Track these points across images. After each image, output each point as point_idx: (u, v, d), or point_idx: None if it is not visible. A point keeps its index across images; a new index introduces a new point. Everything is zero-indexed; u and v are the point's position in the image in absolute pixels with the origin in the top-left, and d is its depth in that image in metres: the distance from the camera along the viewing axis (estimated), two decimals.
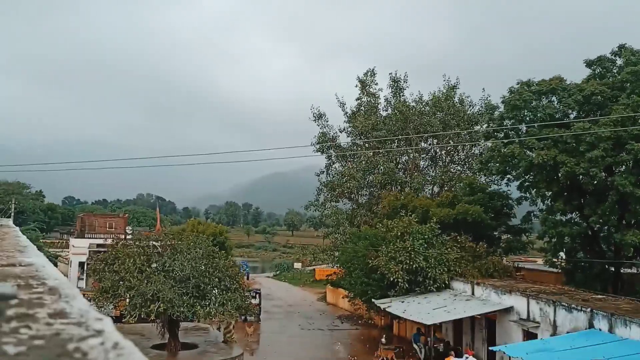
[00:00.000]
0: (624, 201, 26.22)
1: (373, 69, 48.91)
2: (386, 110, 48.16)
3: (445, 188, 43.98)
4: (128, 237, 33.89)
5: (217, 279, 26.47)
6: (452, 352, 25.22)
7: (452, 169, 46.47)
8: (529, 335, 22.88)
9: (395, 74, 48.35)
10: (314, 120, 48.33)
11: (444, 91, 46.99)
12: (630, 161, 26.30)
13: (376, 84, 48.71)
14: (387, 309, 29.44)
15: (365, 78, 48.53)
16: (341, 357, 30.90)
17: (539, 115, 29.60)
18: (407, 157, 46.99)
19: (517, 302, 24.23)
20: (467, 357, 23.76)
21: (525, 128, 30.39)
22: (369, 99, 48.63)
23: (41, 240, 53.17)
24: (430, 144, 47.66)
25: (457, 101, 46.54)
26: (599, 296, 23.68)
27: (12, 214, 47.46)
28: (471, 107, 46.51)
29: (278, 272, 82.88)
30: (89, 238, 50.19)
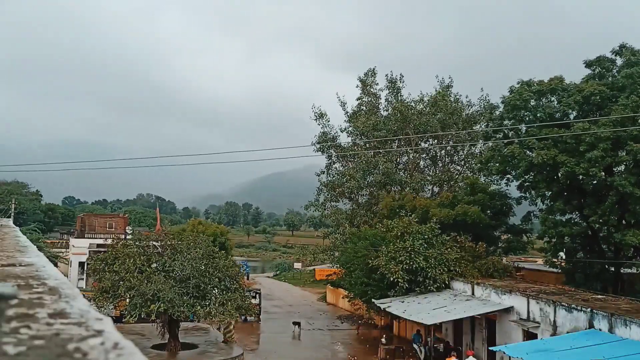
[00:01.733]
0: (624, 201, 26.21)
1: (374, 69, 48.91)
2: (387, 110, 48.16)
3: (445, 188, 43.98)
4: (128, 237, 33.86)
5: (217, 279, 26.47)
6: (454, 353, 25.20)
7: (452, 169, 46.48)
8: (529, 335, 22.88)
9: (392, 75, 48.43)
10: (315, 119, 48.33)
11: (440, 91, 47.02)
12: (629, 161, 26.30)
13: (377, 84, 48.75)
14: (387, 309, 29.43)
15: (366, 78, 48.52)
16: (341, 357, 30.89)
17: (538, 115, 29.60)
18: (407, 157, 46.99)
19: (517, 302, 24.23)
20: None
21: (525, 128, 30.38)
22: (369, 99, 48.62)
23: (41, 241, 53.10)
24: (430, 144, 47.67)
25: (453, 100, 46.54)
26: (599, 296, 23.67)
27: (12, 214, 47.40)
28: (470, 106, 46.55)
29: (278, 272, 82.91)
30: (89, 238, 50.32)
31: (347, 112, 48.69)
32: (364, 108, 48.23)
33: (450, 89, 47.37)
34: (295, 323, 36.34)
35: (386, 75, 48.47)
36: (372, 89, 48.57)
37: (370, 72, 48.60)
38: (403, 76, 48.59)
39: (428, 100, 46.80)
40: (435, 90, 47.45)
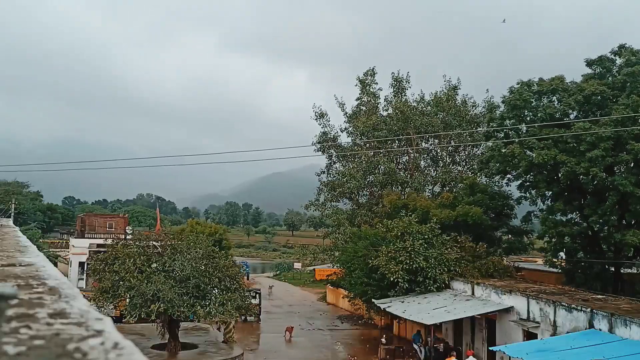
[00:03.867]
0: (624, 201, 26.22)
1: (373, 69, 48.83)
2: (387, 110, 48.09)
3: (446, 188, 43.95)
4: (128, 237, 33.85)
5: (217, 279, 26.44)
6: (454, 353, 25.20)
7: (453, 169, 46.44)
8: (529, 335, 22.87)
9: (398, 74, 48.35)
10: (316, 119, 48.27)
11: (446, 91, 46.97)
12: (630, 161, 26.30)
13: (376, 83, 48.70)
14: (387, 309, 29.43)
15: (365, 78, 48.47)
16: (341, 357, 30.90)
17: (539, 115, 29.60)
18: (407, 157, 46.96)
19: (517, 302, 24.22)
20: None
21: (525, 128, 30.39)
22: (369, 99, 48.56)
23: (41, 241, 53.12)
24: (431, 144, 47.64)
25: (460, 102, 46.50)
26: (599, 296, 23.67)
27: (12, 214, 47.37)
28: (474, 107, 46.50)
29: (278, 272, 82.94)
30: (89, 238, 50.24)
31: (346, 113, 48.67)
32: (364, 108, 48.18)
33: (457, 90, 47.25)
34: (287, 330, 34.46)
35: (392, 73, 48.43)
36: (371, 89, 48.48)
37: (369, 72, 48.56)
38: (410, 76, 48.50)
39: (430, 100, 46.71)
40: (442, 89, 47.35)
